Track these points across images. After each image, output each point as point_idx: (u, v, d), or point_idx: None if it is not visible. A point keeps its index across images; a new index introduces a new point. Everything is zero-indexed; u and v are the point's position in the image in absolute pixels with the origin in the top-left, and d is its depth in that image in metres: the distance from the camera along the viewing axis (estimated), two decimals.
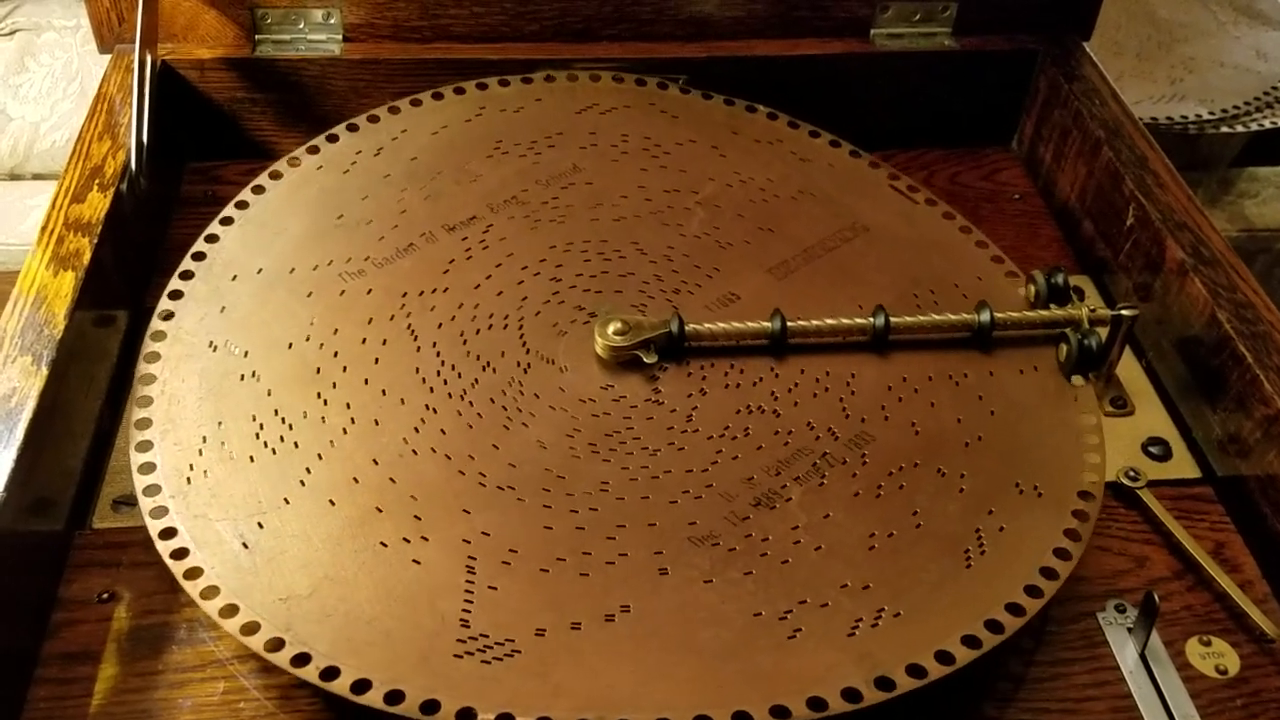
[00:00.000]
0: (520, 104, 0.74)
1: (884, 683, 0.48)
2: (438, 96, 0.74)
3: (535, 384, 0.60)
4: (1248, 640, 0.56)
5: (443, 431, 0.58)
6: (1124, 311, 0.63)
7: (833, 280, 0.65)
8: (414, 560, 0.53)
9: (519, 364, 0.61)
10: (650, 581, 0.52)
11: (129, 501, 0.58)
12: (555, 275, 0.65)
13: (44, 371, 0.56)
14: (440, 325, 0.62)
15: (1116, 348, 0.64)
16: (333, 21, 0.79)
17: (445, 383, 0.60)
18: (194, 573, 0.51)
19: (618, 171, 0.71)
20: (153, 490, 0.54)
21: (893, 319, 0.62)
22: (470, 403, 0.59)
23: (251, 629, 0.50)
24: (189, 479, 0.55)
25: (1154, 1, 1.18)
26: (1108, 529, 0.60)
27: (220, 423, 0.57)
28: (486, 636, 0.50)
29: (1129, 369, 0.68)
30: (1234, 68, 1.12)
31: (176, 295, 0.62)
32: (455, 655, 0.49)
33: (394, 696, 0.48)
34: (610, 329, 0.61)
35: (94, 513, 0.58)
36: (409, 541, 0.53)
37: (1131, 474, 0.62)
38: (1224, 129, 1.07)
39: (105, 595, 0.55)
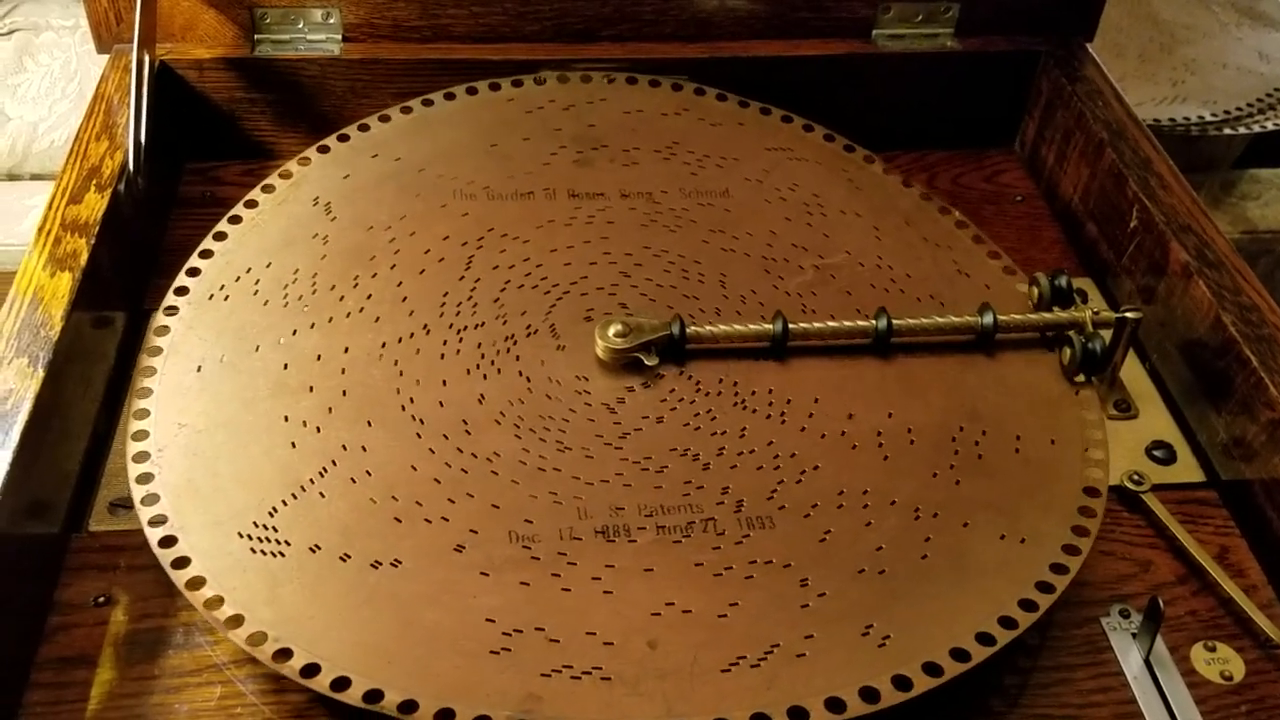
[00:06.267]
0: (721, 120, 0.75)
1: None
2: (654, 84, 0.76)
3: (525, 348, 0.61)
4: (1253, 646, 0.55)
5: (418, 351, 0.60)
6: (1128, 314, 0.62)
7: (886, 381, 0.61)
8: (292, 443, 0.55)
9: (528, 327, 0.62)
10: (441, 550, 0.52)
11: (126, 504, 0.57)
12: (627, 271, 0.65)
13: (40, 373, 0.56)
14: (495, 267, 0.65)
15: (1120, 351, 0.63)
16: (332, 21, 0.78)
17: (457, 314, 0.62)
18: (144, 392, 0.57)
19: (761, 210, 0.69)
20: (172, 310, 0.61)
21: (895, 321, 0.61)
22: (461, 339, 0.61)
23: (140, 436, 0.55)
24: (212, 295, 0.61)
25: (1156, 3, 1.17)
26: (1111, 533, 0.60)
27: (270, 264, 0.63)
28: (275, 532, 0.52)
29: (1132, 372, 0.68)
30: (1236, 69, 1.11)
31: (324, 149, 0.69)
32: (238, 534, 0.52)
33: (167, 541, 0.51)
34: (611, 330, 0.60)
35: (90, 516, 0.58)
36: (305, 426, 0.56)
37: (1135, 478, 0.62)
38: (1226, 131, 1.06)
39: (101, 599, 0.55)
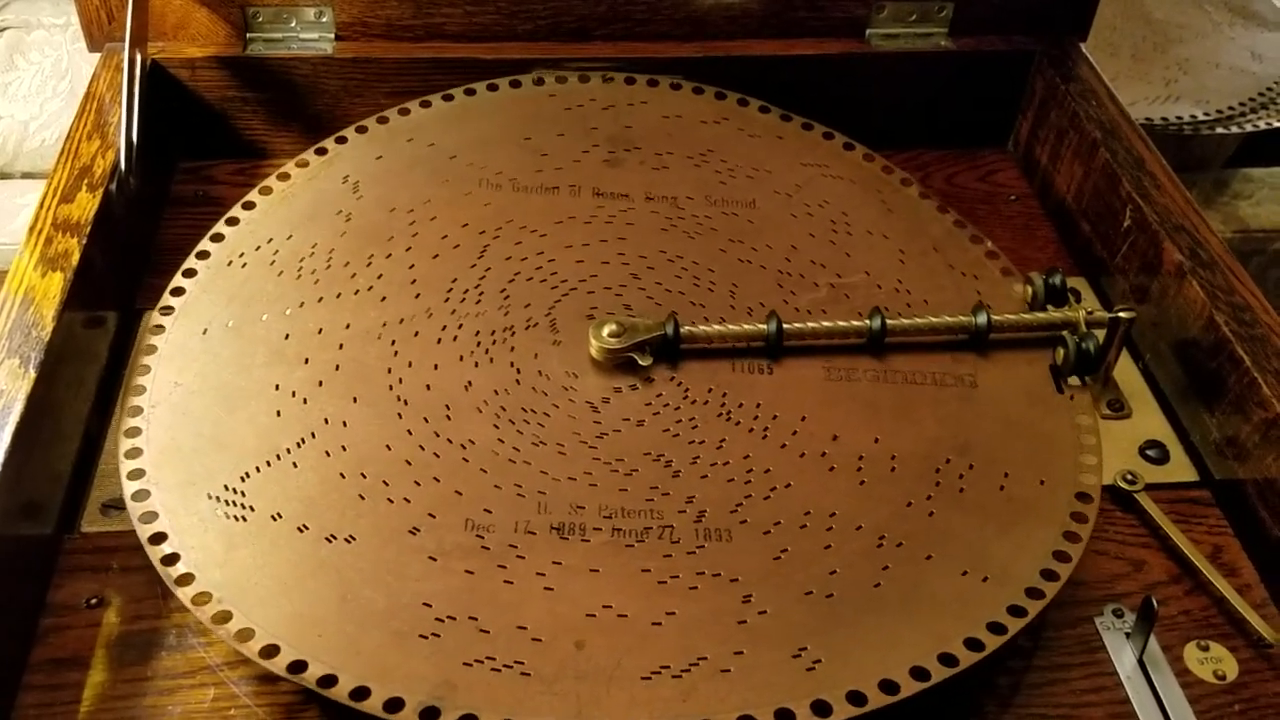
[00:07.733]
0: (760, 132, 0.74)
1: (430, 711, 0.47)
2: (699, 91, 0.76)
3: (522, 341, 0.61)
4: (1246, 645, 0.56)
5: (416, 333, 0.61)
6: (1121, 314, 0.62)
7: (880, 406, 0.59)
8: (277, 411, 0.57)
9: (528, 320, 0.62)
10: (394, 532, 0.53)
11: (118, 505, 0.57)
12: (637, 273, 0.65)
13: (32, 374, 0.56)
14: (508, 259, 0.65)
15: (1113, 350, 0.64)
16: (325, 20, 0.78)
17: (462, 300, 0.62)
18: (150, 349, 0.59)
19: (786, 225, 0.68)
20: (190, 273, 0.63)
21: (889, 321, 0.61)
22: (460, 325, 0.61)
23: (137, 391, 0.56)
24: (230, 262, 0.63)
25: (1149, 2, 1.17)
26: (1105, 533, 0.60)
27: (290, 236, 0.64)
28: (243, 496, 0.53)
29: (1126, 371, 0.68)
30: (1229, 69, 1.11)
31: (362, 129, 0.71)
32: (208, 495, 0.53)
33: (140, 495, 0.53)
34: (605, 330, 0.60)
35: (83, 516, 0.58)
36: (293, 396, 0.57)
37: (1129, 477, 0.62)
38: (1219, 130, 1.06)
39: (94, 600, 0.54)
